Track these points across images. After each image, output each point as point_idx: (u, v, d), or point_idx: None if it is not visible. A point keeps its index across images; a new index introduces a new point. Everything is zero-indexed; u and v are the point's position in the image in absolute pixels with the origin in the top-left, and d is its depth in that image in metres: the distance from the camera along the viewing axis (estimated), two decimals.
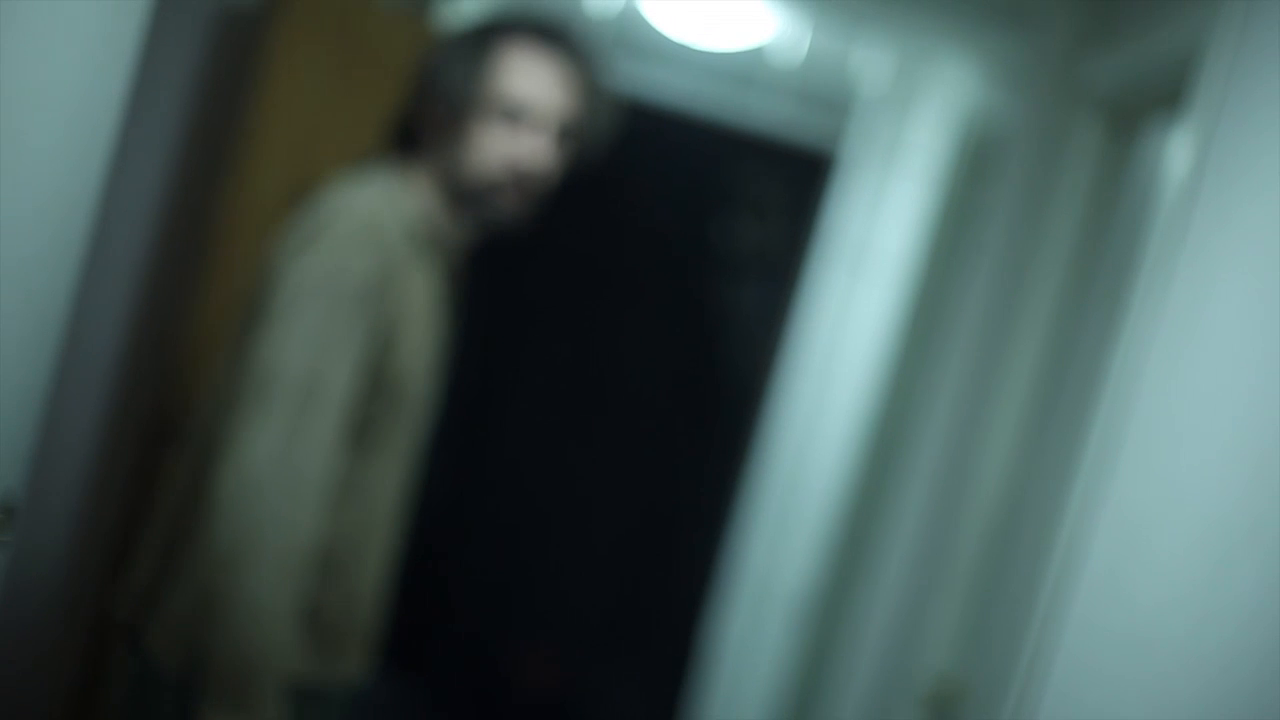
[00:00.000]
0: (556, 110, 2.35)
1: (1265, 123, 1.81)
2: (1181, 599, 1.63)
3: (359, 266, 2.24)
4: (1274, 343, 1.58)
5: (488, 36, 2.38)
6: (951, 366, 3.47)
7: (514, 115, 2.33)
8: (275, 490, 2.17)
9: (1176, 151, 2.17)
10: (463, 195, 2.37)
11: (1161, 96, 2.70)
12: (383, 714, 5.48)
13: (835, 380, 4.21)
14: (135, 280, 3.37)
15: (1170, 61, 2.55)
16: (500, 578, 5.54)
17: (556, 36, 2.38)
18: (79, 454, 3.36)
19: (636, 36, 4.46)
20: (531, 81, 2.34)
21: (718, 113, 4.71)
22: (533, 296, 6.09)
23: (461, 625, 5.50)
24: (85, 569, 3.44)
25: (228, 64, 3.39)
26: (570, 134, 2.39)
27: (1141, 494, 1.89)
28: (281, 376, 2.19)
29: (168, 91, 3.29)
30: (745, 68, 4.67)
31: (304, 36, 3.42)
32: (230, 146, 3.37)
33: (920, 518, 3.44)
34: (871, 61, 4.38)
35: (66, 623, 3.44)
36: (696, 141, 5.06)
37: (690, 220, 5.71)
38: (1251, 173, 1.81)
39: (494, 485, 5.83)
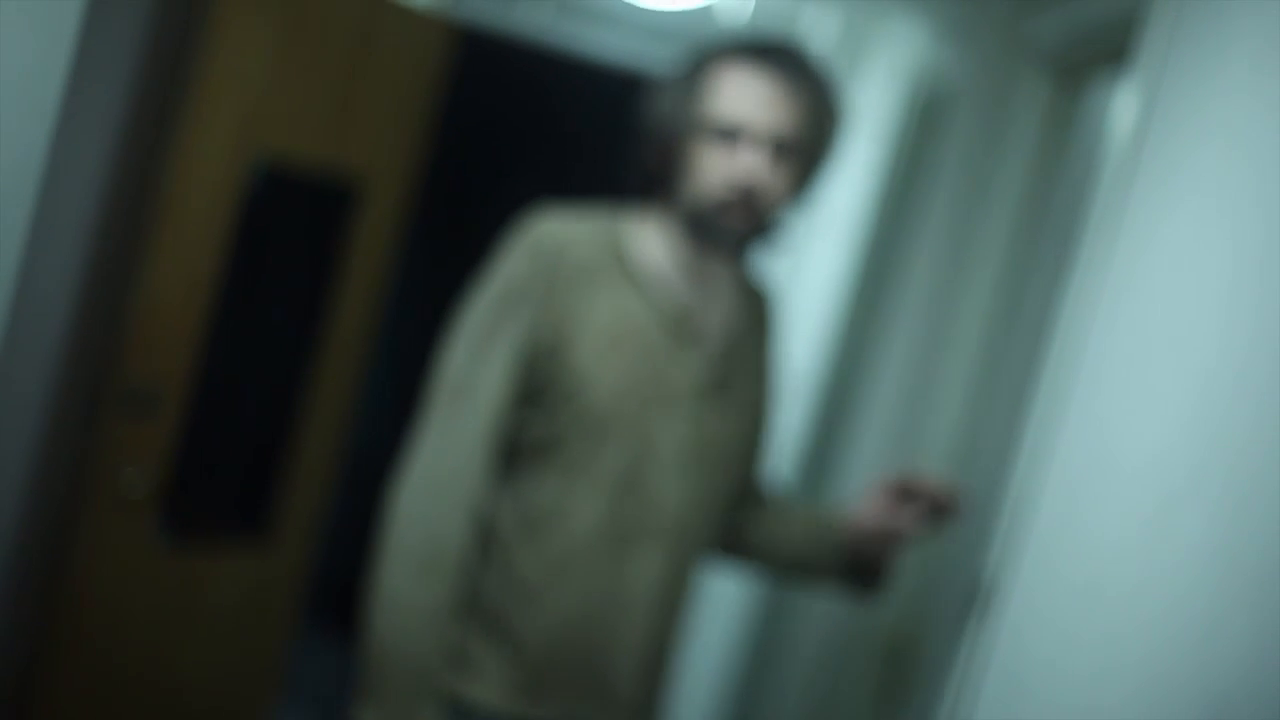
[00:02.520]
0: (770, 126, 2.31)
1: (1207, 76, 1.82)
2: (1128, 546, 1.65)
3: (511, 270, 2.34)
4: (1216, 290, 1.60)
5: (700, 63, 2.37)
6: (903, 320, 3.49)
7: (729, 134, 2.31)
8: (421, 489, 2.30)
9: (1122, 105, 2.18)
10: (695, 221, 2.35)
11: (1107, 51, 2.71)
12: (329, 670, 5.48)
13: (788, 334, 4.22)
14: (82, 248, 3.35)
15: (1115, 17, 2.56)
16: None
17: (769, 54, 2.34)
18: (27, 422, 3.35)
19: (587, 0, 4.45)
20: (742, 99, 2.32)
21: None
22: (488, 254, 6.08)
23: None
24: (34, 536, 3.43)
25: (173, 27, 3.36)
26: (791, 149, 2.33)
27: (1089, 444, 1.91)
28: (443, 380, 2.35)
29: (112, 57, 3.27)
30: (693, 27, 4.67)
31: (250, 1, 3.40)
32: (175, 113, 3.34)
33: (874, 473, 3.45)
34: (820, 19, 4.38)
35: (18, 585, 3.43)
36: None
37: (650, 179, 5.70)
38: (1194, 124, 1.82)
39: None
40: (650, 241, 2.41)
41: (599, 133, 5.97)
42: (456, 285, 6.38)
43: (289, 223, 3.83)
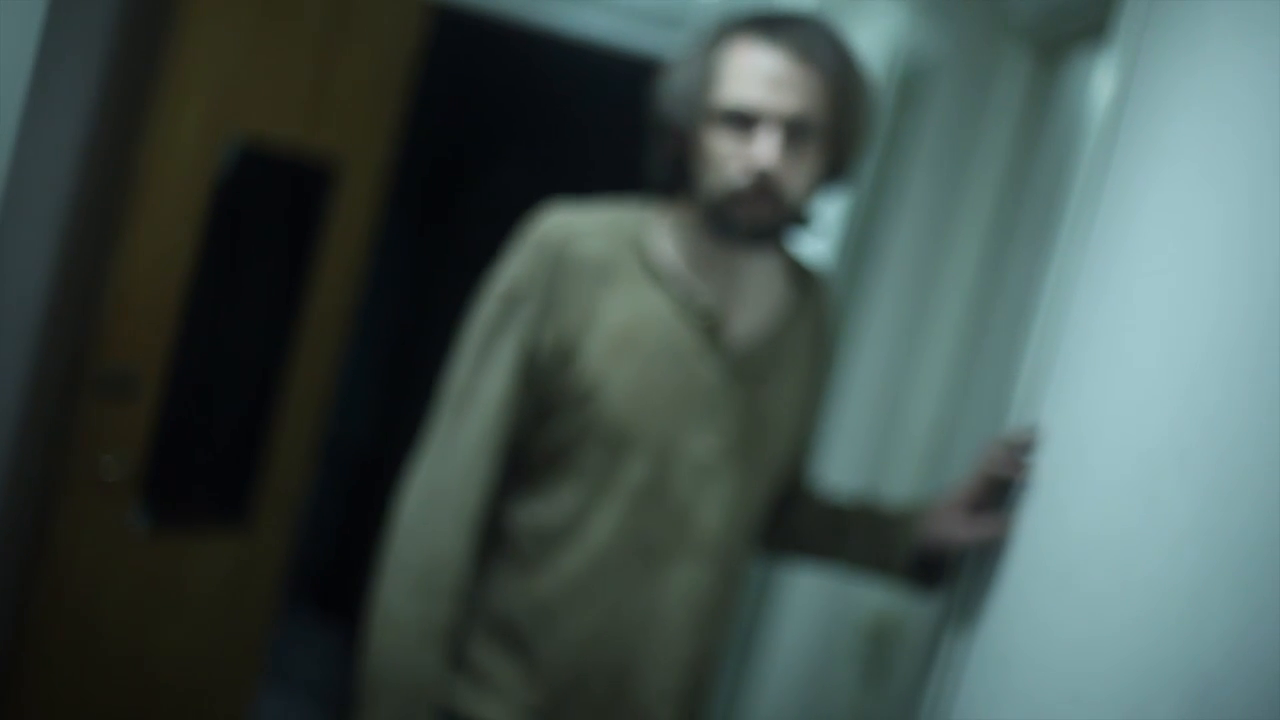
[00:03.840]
0: (784, 107, 2.13)
1: (1184, 50, 1.81)
2: (1111, 528, 1.64)
3: (512, 270, 2.22)
4: (1197, 265, 1.59)
5: (706, 45, 2.22)
6: (884, 296, 3.48)
7: (741, 119, 2.15)
8: (419, 501, 2.22)
9: (1101, 78, 2.17)
10: (714, 213, 2.19)
11: (1087, 25, 2.70)
12: (310, 654, 5.47)
13: None
14: (56, 231, 3.32)
15: None
16: None
17: (778, 30, 2.17)
18: (3, 407, 3.33)
19: None
20: (752, 81, 2.15)
21: (647, 48, 4.68)
22: (466, 234, 6.06)
23: None
24: (11, 522, 3.41)
25: (146, 7, 3.33)
26: (810, 130, 2.16)
27: (1071, 423, 1.90)
28: (448, 388, 2.25)
29: (84, 37, 3.24)
30: (672, 5, 4.65)
31: None
32: (149, 93, 3.31)
33: (854, 454, 3.45)
34: None
35: None
36: (627, 77, 5.03)
37: (625, 155, 5.69)
38: (1172, 97, 1.81)
39: (425, 428, 5.78)
40: (672, 235, 2.27)
41: (577, 111, 5.95)
42: (435, 265, 6.37)
43: (265, 204, 3.80)
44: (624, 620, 2.22)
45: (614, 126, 5.70)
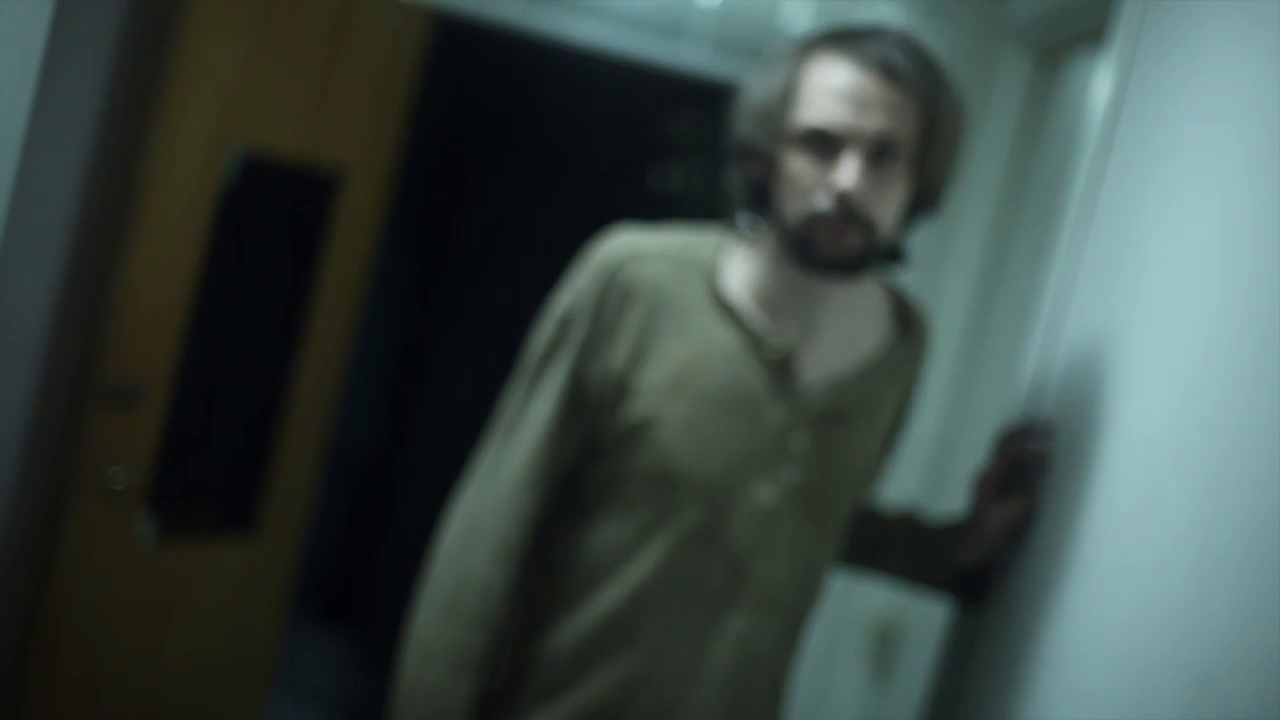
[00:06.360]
0: (866, 126, 1.97)
1: (1179, 53, 1.82)
2: (1112, 528, 1.65)
3: (567, 297, 2.11)
4: (1195, 264, 1.60)
5: (786, 62, 2.06)
6: None
7: (821, 139, 1.98)
8: (458, 528, 2.14)
9: (1100, 82, 2.18)
10: (794, 241, 2.02)
11: (1086, 30, 2.71)
12: (318, 662, 5.48)
13: None
14: (61, 243, 3.33)
15: None
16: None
17: (860, 45, 2.01)
18: (10, 419, 3.34)
19: None
20: (832, 99, 1.99)
21: (647, 56, 4.69)
22: (468, 242, 6.07)
23: (393, 578, 5.49)
24: (20, 533, 3.42)
25: (150, 19, 3.34)
26: (897, 151, 1.97)
27: (1073, 423, 1.91)
28: (500, 415, 2.16)
29: (88, 50, 3.25)
30: (672, 15, 4.66)
31: None
32: (153, 104, 3.32)
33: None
34: (797, 1, 4.37)
35: (4, 581, 3.42)
36: (628, 85, 5.05)
37: (626, 162, 5.71)
38: (1168, 99, 1.82)
39: (430, 436, 5.83)
40: (747, 266, 2.10)
41: (578, 119, 5.96)
42: (438, 273, 6.36)
43: (269, 213, 3.82)
44: (667, 665, 2.10)
45: (615, 134, 5.71)
